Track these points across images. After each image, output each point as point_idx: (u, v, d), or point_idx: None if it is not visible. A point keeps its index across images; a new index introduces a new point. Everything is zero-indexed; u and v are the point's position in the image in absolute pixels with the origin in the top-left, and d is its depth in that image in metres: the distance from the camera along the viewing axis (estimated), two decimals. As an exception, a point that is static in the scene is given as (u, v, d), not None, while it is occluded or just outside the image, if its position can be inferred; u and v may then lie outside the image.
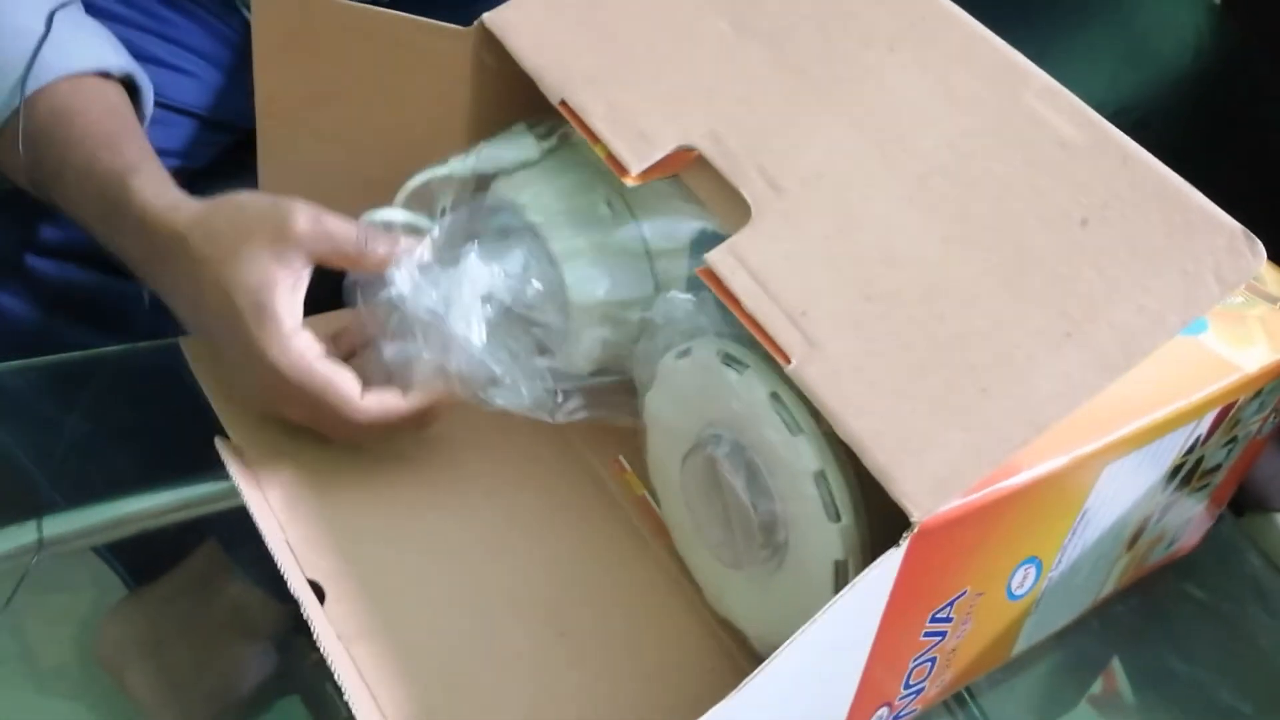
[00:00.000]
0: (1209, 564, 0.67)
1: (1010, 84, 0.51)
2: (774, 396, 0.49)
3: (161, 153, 0.64)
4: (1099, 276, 0.47)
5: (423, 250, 0.58)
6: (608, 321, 0.59)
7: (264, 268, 0.55)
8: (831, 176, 0.51)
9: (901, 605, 0.48)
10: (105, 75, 0.67)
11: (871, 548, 0.48)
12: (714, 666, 0.57)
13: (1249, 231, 0.46)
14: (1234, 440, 0.59)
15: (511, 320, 0.58)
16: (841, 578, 0.49)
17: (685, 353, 0.53)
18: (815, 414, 0.48)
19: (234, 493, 0.59)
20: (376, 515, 0.60)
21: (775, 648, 0.53)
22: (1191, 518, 0.63)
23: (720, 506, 0.53)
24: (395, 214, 0.60)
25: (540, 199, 0.59)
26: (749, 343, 0.50)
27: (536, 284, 0.58)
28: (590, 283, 0.58)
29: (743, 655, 0.57)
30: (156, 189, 0.59)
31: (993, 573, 0.51)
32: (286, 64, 0.66)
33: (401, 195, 0.61)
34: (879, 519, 0.48)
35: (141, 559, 0.68)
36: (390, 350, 0.57)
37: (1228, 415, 0.56)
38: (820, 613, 0.44)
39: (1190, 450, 0.56)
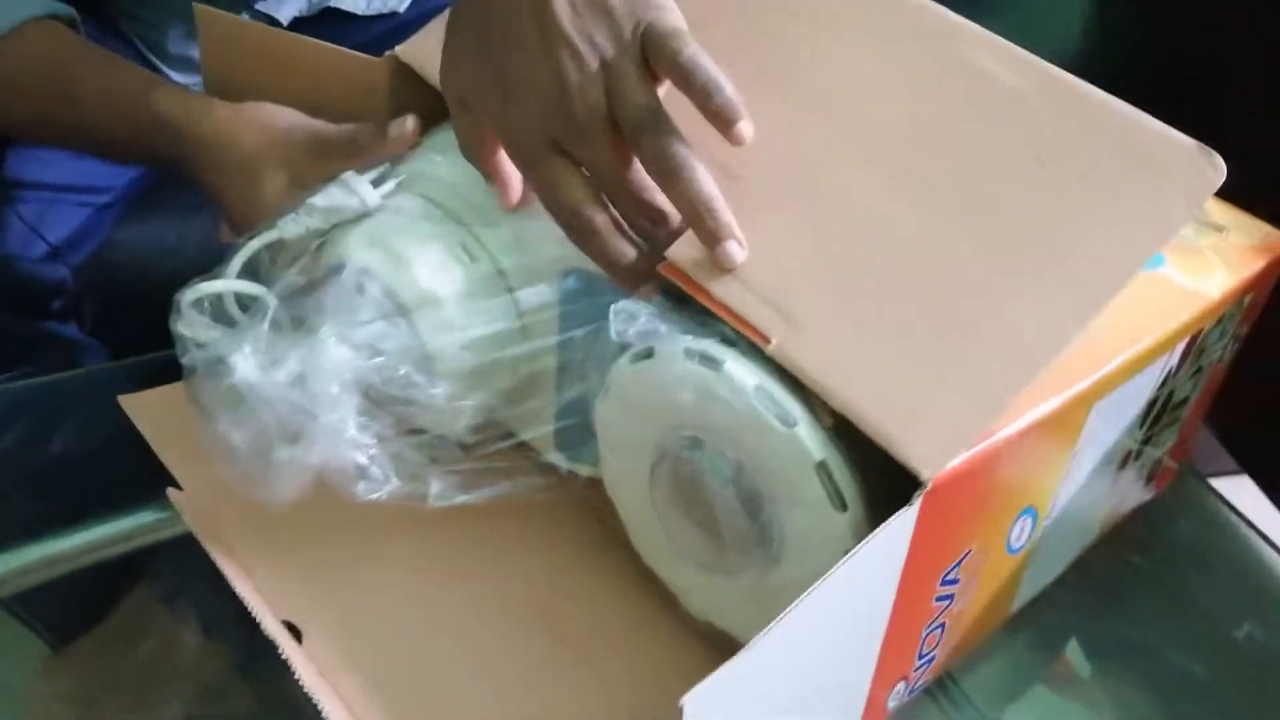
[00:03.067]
0: (1147, 534, 0.67)
1: (947, 41, 0.51)
2: (759, 390, 0.47)
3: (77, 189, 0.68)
4: (1065, 213, 0.47)
5: (261, 329, 0.52)
6: (478, 377, 0.56)
7: (280, 187, 0.59)
8: (784, 157, 0.50)
9: (914, 570, 0.47)
10: (54, 17, 0.72)
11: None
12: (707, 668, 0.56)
13: (1204, 146, 0.46)
14: (1200, 370, 0.59)
15: (371, 398, 0.54)
16: None
17: (644, 355, 0.50)
18: (806, 403, 0.47)
19: (158, 528, 0.58)
20: (345, 542, 0.58)
21: (726, 630, 0.53)
22: (1160, 458, 0.63)
23: (701, 513, 0.52)
24: (221, 285, 0.55)
25: (386, 251, 0.55)
26: (719, 339, 0.49)
27: (400, 356, 0.54)
28: (451, 335, 0.55)
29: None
30: (177, 98, 0.65)
31: (994, 527, 0.51)
32: (231, 87, 0.66)
33: (235, 266, 0.56)
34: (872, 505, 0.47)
35: (62, 612, 0.64)
36: (239, 437, 0.52)
37: (1195, 344, 0.56)
38: (837, 565, 0.43)
39: (1164, 384, 0.56)
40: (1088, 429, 0.52)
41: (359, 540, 0.59)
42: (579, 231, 0.50)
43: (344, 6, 0.84)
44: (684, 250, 0.50)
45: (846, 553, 0.47)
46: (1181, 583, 0.67)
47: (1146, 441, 0.59)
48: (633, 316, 0.50)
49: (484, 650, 0.55)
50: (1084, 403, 0.50)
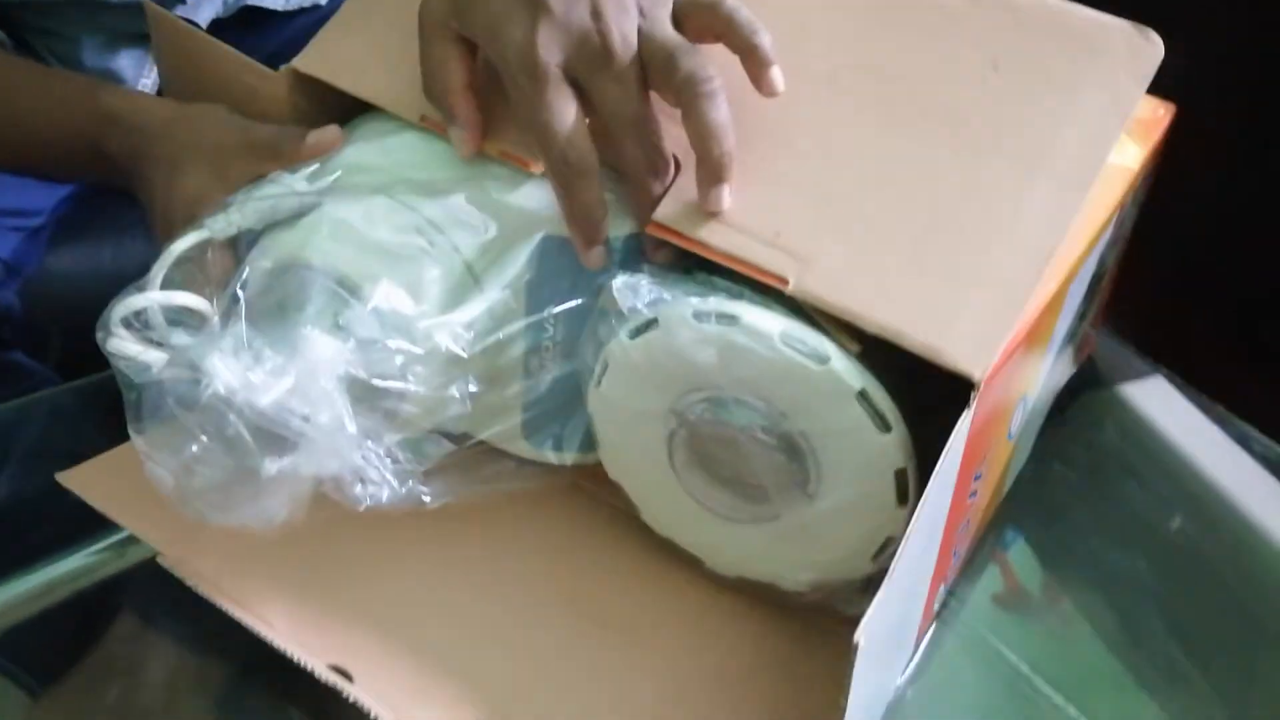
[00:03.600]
0: (1073, 447, 0.70)
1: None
2: (785, 335, 0.48)
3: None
4: (1030, 110, 0.49)
5: (237, 330, 0.48)
6: (456, 363, 0.53)
7: (201, 181, 0.56)
8: (747, 102, 0.51)
9: (963, 472, 0.49)
10: None
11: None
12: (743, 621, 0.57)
13: (1138, 24, 0.50)
14: (1117, 241, 0.64)
15: (355, 395, 0.50)
16: (903, 486, 0.49)
17: (645, 327, 0.50)
18: (830, 338, 0.48)
19: (119, 557, 0.55)
20: (351, 564, 0.56)
21: (817, 585, 0.54)
22: (1085, 330, 0.68)
23: (728, 470, 0.53)
24: (158, 296, 0.50)
25: (340, 243, 0.52)
26: (725, 295, 0.49)
27: (396, 344, 0.51)
28: (423, 322, 0.52)
29: (758, 610, 0.56)
30: (125, 95, 0.65)
31: (1005, 416, 0.53)
32: (177, 88, 0.65)
33: (158, 273, 0.50)
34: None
35: (42, 653, 0.59)
36: (214, 461, 0.48)
37: (1121, 216, 0.60)
38: (929, 488, 0.44)
39: (1102, 259, 0.60)
40: (1064, 310, 0.55)
41: (364, 560, 0.56)
42: (568, 169, 0.50)
43: (264, 4, 0.80)
44: (670, 207, 0.50)
45: (896, 473, 0.49)
46: (1111, 488, 0.70)
47: (1083, 316, 0.63)
48: (635, 288, 0.50)
49: (533, 648, 0.54)
50: (1066, 284, 0.53)
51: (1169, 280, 0.80)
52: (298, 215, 0.53)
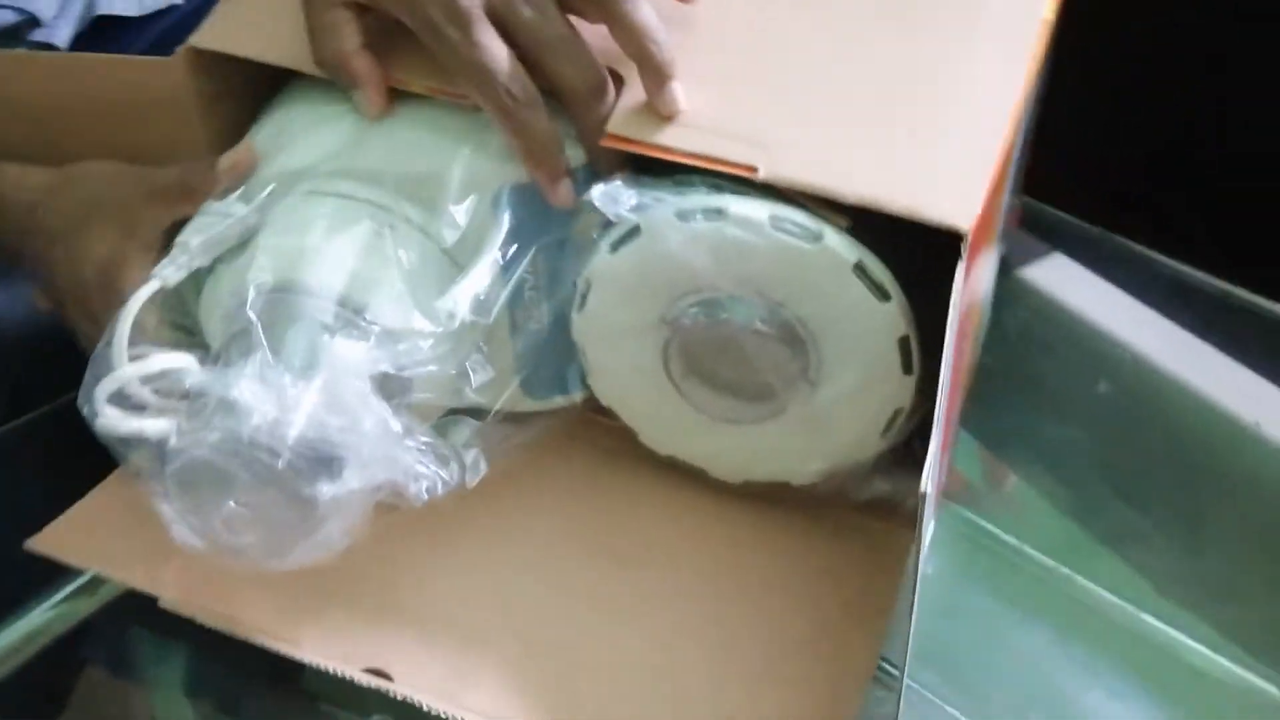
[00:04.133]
0: (988, 334, 0.72)
1: None
2: (775, 219, 0.47)
3: None
4: None
5: (260, 355, 0.46)
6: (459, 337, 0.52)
7: (111, 242, 0.52)
8: (677, 8, 0.51)
9: (961, 330, 0.49)
10: None
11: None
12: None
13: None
14: (1037, 102, 0.65)
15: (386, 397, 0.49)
16: (907, 353, 0.49)
17: (628, 236, 0.50)
18: (818, 216, 0.48)
19: (87, 596, 0.53)
20: (369, 567, 0.53)
21: (828, 474, 0.54)
22: (1014, 201, 0.69)
23: (728, 371, 0.52)
24: (134, 371, 0.46)
25: (302, 256, 0.49)
26: (705, 190, 0.49)
27: (420, 324, 0.49)
28: (418, 311, 0.50)
29: (769, 515, 0.57)
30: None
31: (981, 273, 0.54)
32: (18, 137, 0.59)
33: (121, 341, 0.47)
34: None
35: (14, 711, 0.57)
36: (260, 503, 0.45)
37: (1041, 70, 0.61)
38: (946, 339, 0.45)
39: (1029, 118, 0.61)
40: (1010, 168, 0.56)
41: (370, 559, 0.53)
42: (516, 103, 0.48)
43: (116, 11, 0.75)
44: (622, 121, 0.49)
45: (899, 340, 0.49)
46: (1033, 368, 0.73)
47: (1016, 180, 0.64)
48: (615, 196, 0.49)
49: (562, 603, 0.53)
50: (1014, 140, 0.54)
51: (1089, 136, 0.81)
52: (243, 241, 0.51)
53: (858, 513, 0.56)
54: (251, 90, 0.56)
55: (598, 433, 0.58)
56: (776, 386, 0.51)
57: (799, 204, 0.48)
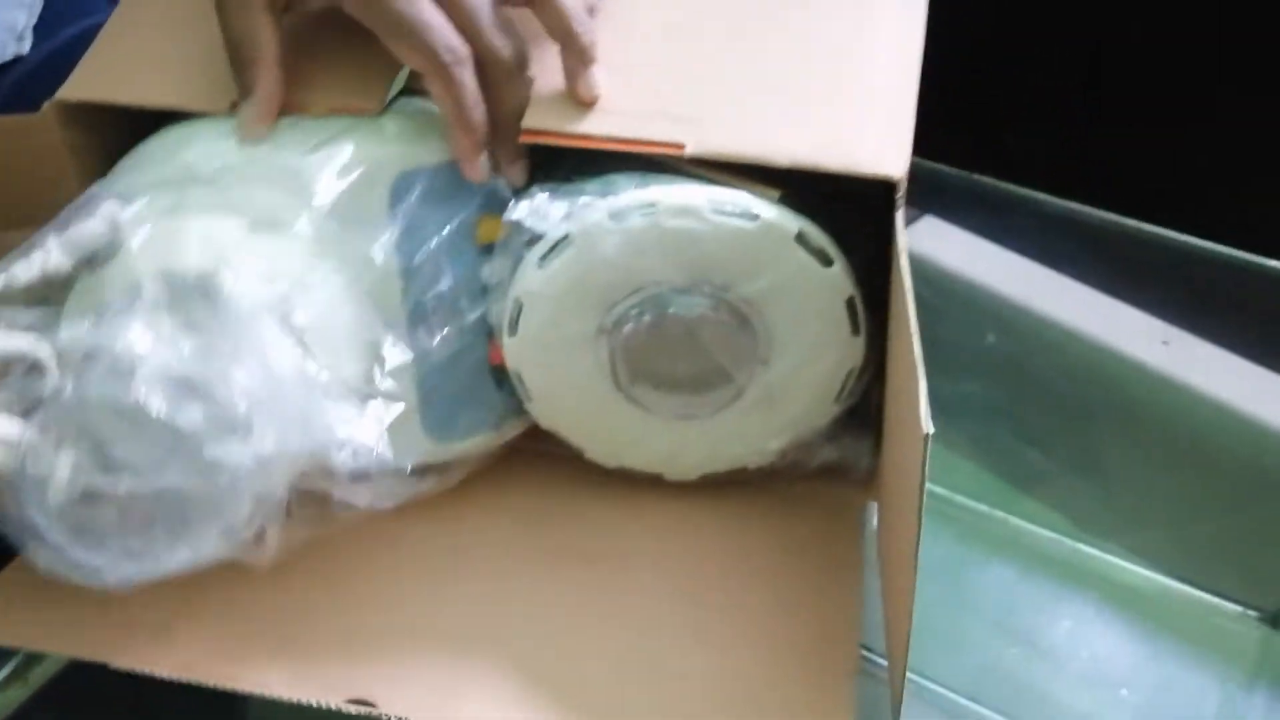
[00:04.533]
0: None
1: None
2: (711, 202, 0.47)
3: None
4: None
5: (154, 300, 0.42)
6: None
7: None
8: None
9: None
10: None
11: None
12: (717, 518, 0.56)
13: None
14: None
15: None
16: (854, 313, 0.50)
17: (557, 248, 0.48)
18: (751, 194, 0.48)
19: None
20: (332, 594, 0.51)
21: (785, 449, 0.54)
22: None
23: (678, 367, 0.52)
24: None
25: (190, 252, 0.46)
26: (630, 185, 0.48)
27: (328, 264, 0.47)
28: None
29: (727, 502, 0.56)
30: None
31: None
32: None
33: None
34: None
35: None
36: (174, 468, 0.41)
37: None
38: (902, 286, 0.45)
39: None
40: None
41: (331, 586, 0.52)
42: (452, 56, 0.47)
43: None
44: (536, 114, 0.49)
45: (846, 302, 0.50)
46: (926, 328, 0.76)
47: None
48: (540, 210, 0.49)
49: (535, 609, 0.52)
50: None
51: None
52: (113, 251, 0.47)
53: (811, 481, 0.56)
54: (128, 139, 0.52)
55: (554, 441, 0.57)
56: (731, 371, 0.51)
57: (728, 184, 0.48)
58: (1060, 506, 0.63)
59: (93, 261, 0.47)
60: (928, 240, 0.83)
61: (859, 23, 0.51)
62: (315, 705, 0.47)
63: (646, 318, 0.50)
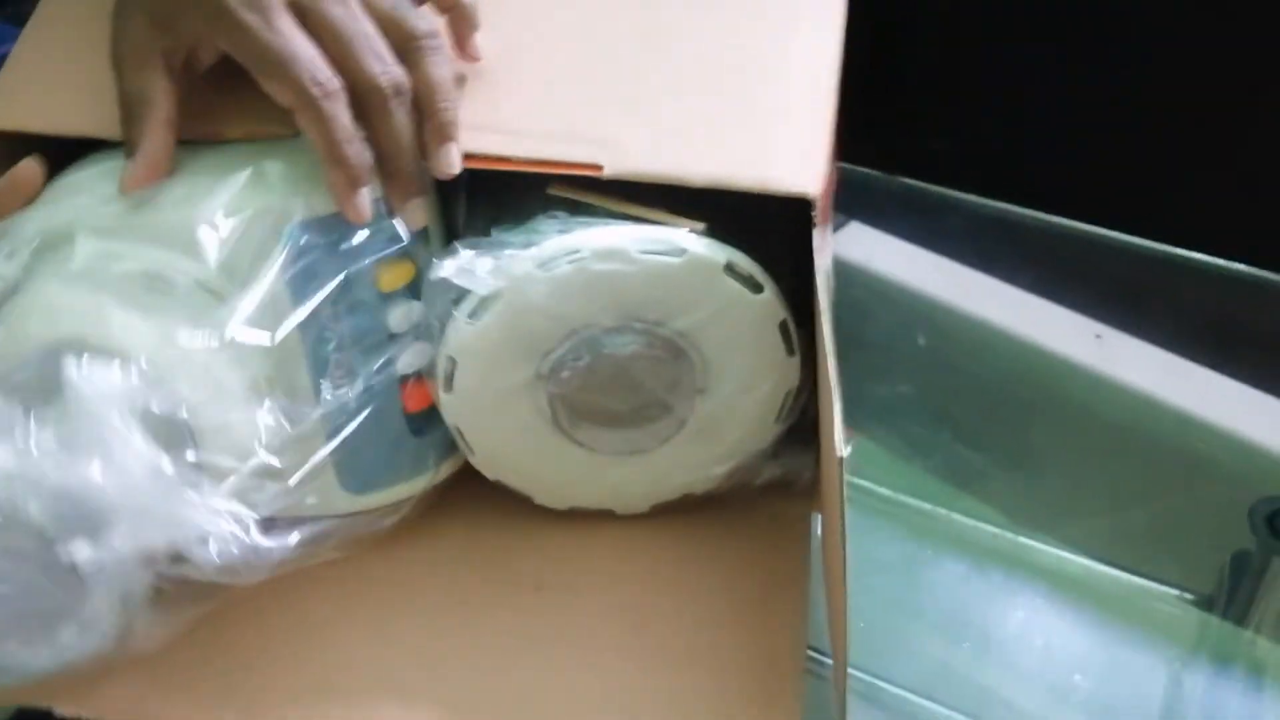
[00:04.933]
0: None
1: None
2: (639, 243, 0.47)
3: None
4: None
5: None
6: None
7: None
8: (487, 22, 0.51)
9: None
10: None
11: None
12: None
13: None
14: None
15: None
16: (788, 336, 0.50)
17: (487, 302, 0.48)
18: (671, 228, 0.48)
19: None
20: (280, 643, 0.51)
21: (731, 472, 0.55)
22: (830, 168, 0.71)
23: (616, 404, 0.52)
24: None
25: (76, 314, 0.44)
26: (552, 233, 0.48)
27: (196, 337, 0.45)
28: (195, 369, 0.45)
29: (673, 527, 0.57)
30: None
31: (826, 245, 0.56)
32: None
33: None
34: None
35: None
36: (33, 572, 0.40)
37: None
38: (820, 303, 0.45)
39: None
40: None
41: (280, 634, 0.51)
42: (320, 89, 0.46)
43: None
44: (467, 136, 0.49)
45: (779, 326, 0.50)
46: (855, 333, 0.76)
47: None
48: (469, 267, 0.48)
49: (495, 641, 0.52)
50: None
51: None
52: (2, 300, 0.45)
53: (756, 497, 0.56)
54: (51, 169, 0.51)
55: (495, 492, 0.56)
56: (670, 403, 0.52)
57: (650, 220, 0.48)
58: (997, 503, 0.64)
59: None
60: (855, 245, 0.84)
61: (772, 32, 0.51)
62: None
63: (582, 360, 0.50)
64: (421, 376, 0.51)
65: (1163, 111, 0.95)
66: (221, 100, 0.49)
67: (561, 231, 0.48)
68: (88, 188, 0.49)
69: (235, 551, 0.42)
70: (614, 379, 0.51)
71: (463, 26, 0.50)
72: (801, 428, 0.55)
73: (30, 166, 0.49)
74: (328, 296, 0.48)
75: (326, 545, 0.47)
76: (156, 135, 0.48)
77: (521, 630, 0.52)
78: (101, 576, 0.40)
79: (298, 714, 0.48)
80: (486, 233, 0.50)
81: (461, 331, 0.49)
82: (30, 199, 0.49)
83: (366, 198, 0.47)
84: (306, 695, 0.49)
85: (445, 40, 0.49)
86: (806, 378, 0.52)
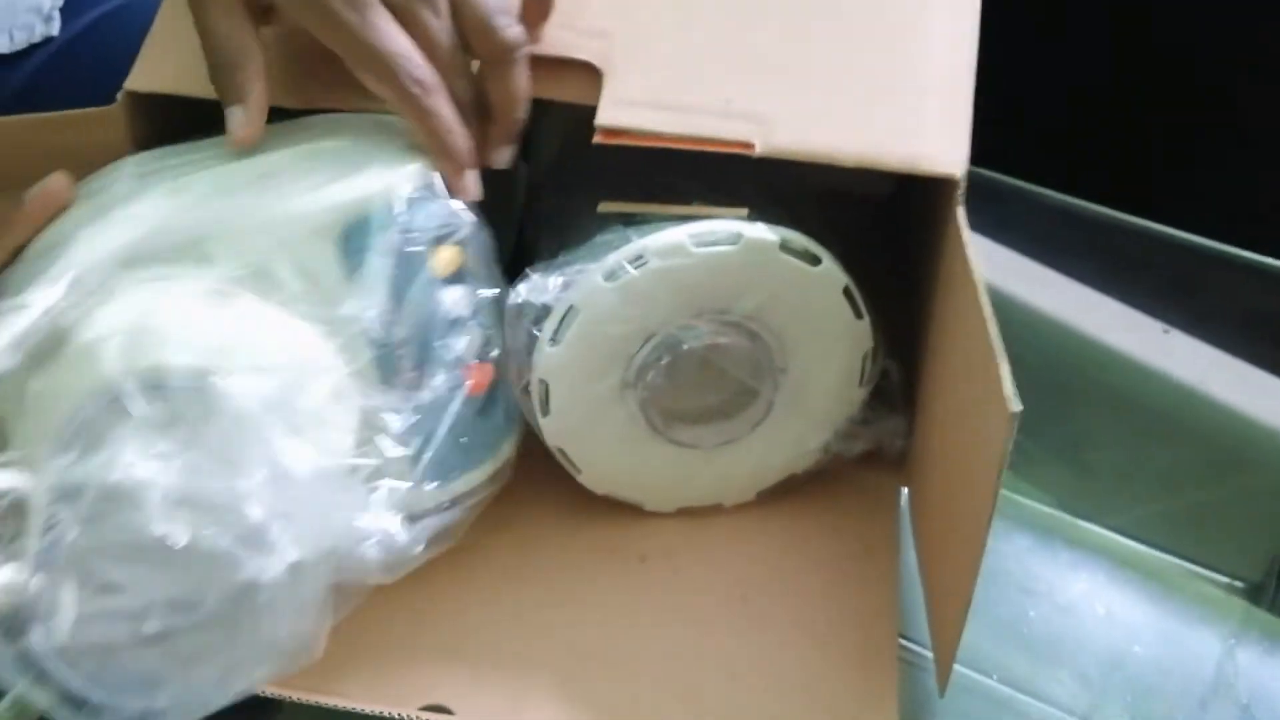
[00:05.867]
0: None
1: None
2: (694, 238, 0.49)
3: None
4: None
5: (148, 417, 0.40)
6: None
7: None
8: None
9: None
10: None
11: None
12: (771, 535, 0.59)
13: None
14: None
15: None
16: (853, 301, 0.52)
17: (566, 321, 0.50)
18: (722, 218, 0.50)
19: None
20: (393, 606, 0.52)
21: (826, 445, 0.56)
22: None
23: (708, 396, 0.54)
24: None
25: (165, 348, 0.43)
26: (614, 241, 0.50)
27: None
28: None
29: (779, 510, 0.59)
30: None
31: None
32: None
33: None
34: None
35: None
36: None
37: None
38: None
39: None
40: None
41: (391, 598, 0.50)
42: (420, 86, 0.47)
43: None
44: (611, 113, 0.50)
45: (843, 292, 0.52)
46: None
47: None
48: (540, 286, 0.51)
49: (600, 614, 0.55)
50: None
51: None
52: (57, 331, 0.43)
53: (850, 470, 0.58)
54: (188, 132, 0.52)
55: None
56: (755, 386, 0.54)
57: (699, 216, 0.51)
58: (1050, 488, 0.66)
59: (37, 357, 0.44)
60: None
61: (915, 11, 0.52)
62: (386, 715, 0.48)
63: (664, 361, 0.52)
64: (477, 360, 0.50)
65: (1226, 111, 0.96)
66: (292, 72, 0.50)
67: (621, 242, 0.51)
68: (128, 206, 0.47)
69: (389, 551, 0.44)
70: (697, 373, 0.53)
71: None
72: (890, 396, 0.57)
73: (60, 180, 0.49)
74: (391, 290, 0.47)
75: (449, 537, 0.49)
76: (260, 83, 0.48)
77: (627, 597, 0.55)
78: (284, 592, 0.40)
79: (414, 679, 0.51)
80: (556, 257, 0.52)
81: (547, 354, 0.52)
82: (60, 211, 0.48)
83: (475, 177, 0.49)
84: (421, 661, 0.52)
85: (527, 50, 0.49)
86: (880, 339, 0.54)
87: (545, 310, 0.51)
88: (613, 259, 0.50)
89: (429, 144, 0.48)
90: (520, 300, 0.51)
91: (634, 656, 0.53)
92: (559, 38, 0.51)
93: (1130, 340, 0.74)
